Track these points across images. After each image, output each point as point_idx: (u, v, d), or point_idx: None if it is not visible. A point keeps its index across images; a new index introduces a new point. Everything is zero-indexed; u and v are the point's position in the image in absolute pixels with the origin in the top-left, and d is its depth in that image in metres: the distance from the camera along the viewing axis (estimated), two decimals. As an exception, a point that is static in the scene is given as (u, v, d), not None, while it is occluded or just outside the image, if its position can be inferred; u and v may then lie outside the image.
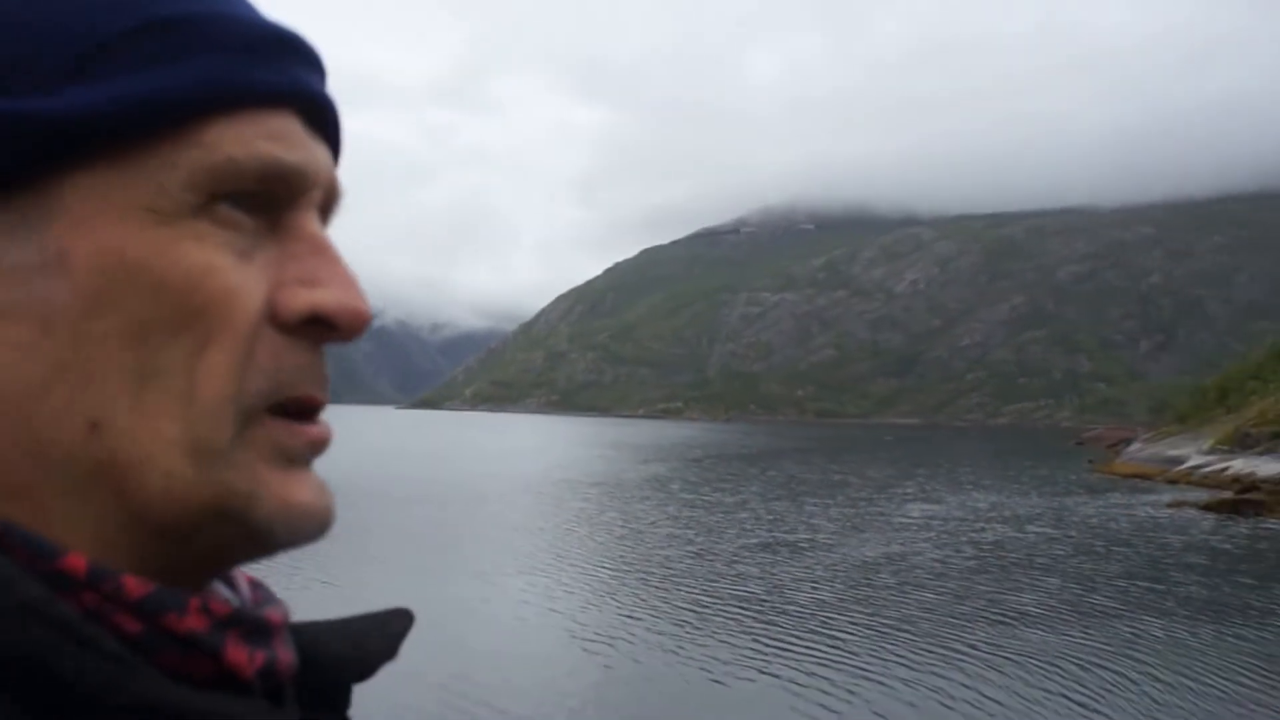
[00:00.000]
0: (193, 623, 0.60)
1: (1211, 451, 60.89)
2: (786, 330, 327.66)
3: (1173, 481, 55.69)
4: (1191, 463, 59.36)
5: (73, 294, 0.59)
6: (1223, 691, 14.20)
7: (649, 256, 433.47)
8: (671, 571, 23.09)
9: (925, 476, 56.53)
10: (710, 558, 25.21)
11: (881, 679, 14.42)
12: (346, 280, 0.65)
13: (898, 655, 15.80)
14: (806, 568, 23.91)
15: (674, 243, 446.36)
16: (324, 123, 0.70)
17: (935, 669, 14.96)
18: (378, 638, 0.76)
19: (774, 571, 23.21)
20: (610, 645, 16.18)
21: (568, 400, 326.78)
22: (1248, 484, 48.72)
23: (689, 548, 26.95)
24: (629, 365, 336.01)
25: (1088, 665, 15.33)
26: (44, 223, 0.59)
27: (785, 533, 30.03)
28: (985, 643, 16.71)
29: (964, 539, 29.72)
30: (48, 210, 0.59)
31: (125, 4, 0.60)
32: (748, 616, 18.46)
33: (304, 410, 0.66)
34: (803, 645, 16.33)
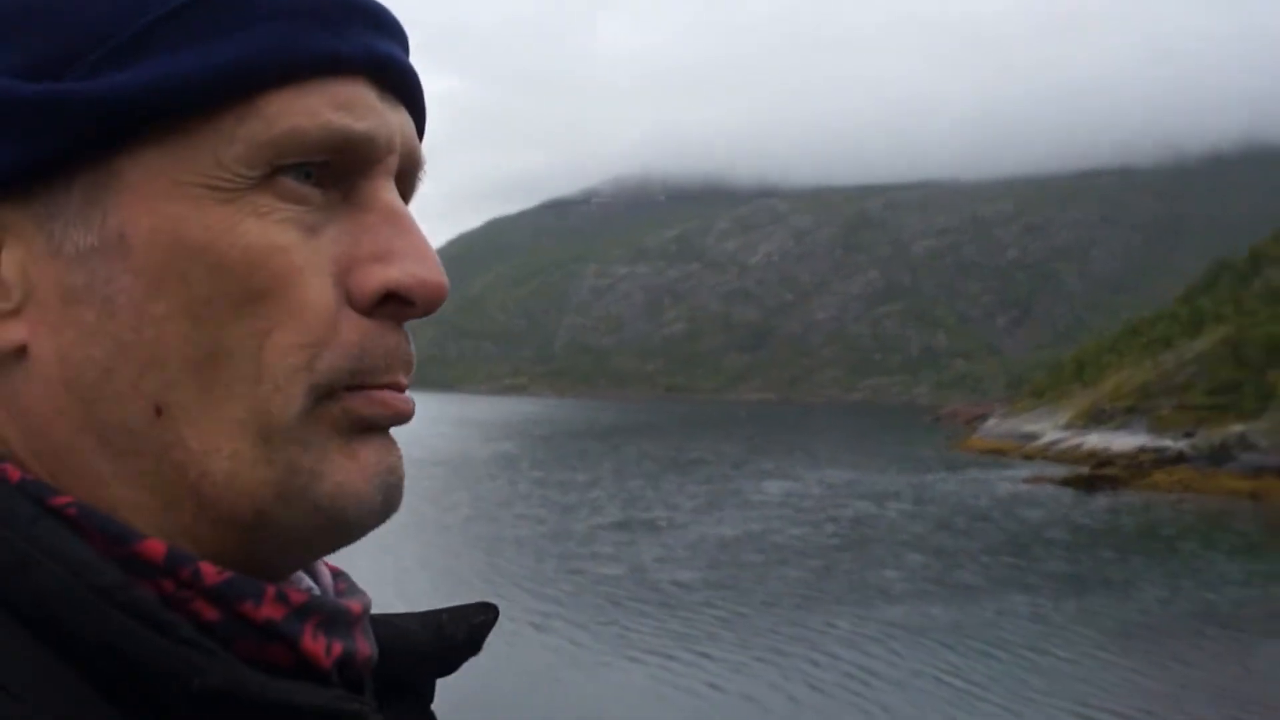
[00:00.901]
0: (269, 611, 0.61)
1: (1067, 426, 62.75)
2: (637, 303, 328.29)
3: (1029, 457, 57.35)
4: (1048, 438, 61.11)
5: (133, 275, 0.60)
6: (1088, 662, 14.65)
7: (495, 227, 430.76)
8: (525, 553, 23.03)
9: (782, 453, 57.29)
10: (565, 538, 25.20)
11: (748, 658, 14.55)
12: (421, 252, 0.65)
13: (764, 634, 15.97)
14: (666, 547, 24.04)
15: (521, 213, 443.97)
16: (402, 88, 0.69)
17: (801, 647, 15.17)
18: (461, 631, 0.77)
19: (633, 551, 23.29)
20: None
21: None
22: (1103, 459, 50.42)
23: (542, 528, 26.91)
24: (473, 340, 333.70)
25: (955, 640, 15.68)
26: (105, 204, 0.61)
27: (642, 511, 30.16)
28: (852, 620, 17.00)
29: (824, 516, 30.17)
30: (109, 191, 0.61)
31: None
32: (607, 598, 18.50)
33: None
34: (665, 626, 16.41)
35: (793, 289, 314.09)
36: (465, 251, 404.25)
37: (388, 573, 20.14)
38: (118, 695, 0.57)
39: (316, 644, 0.63)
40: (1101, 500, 36.89)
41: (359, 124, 0.64)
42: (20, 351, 0.62)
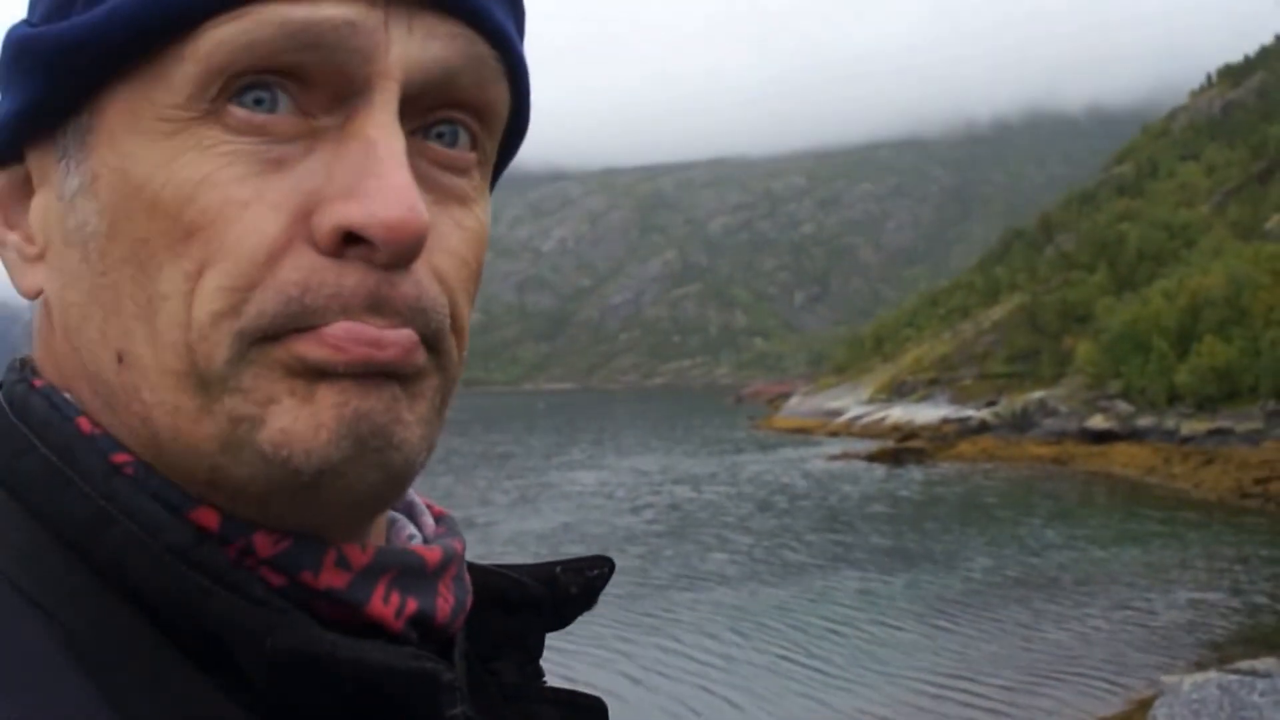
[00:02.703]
0: (329, 579, 0.61)
1: (870, 401, 64.38)
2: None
3: (834, 434, 58.57)
4: (851, 414, 62.60)
5: (99, 217, 0.60)
6: (922, 632, 15.24)
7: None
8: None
9: (590, 442, 57.68)
10: (380, 539, 25.15)
11: (584, 648, 14.78)
12: (390, 190, 0.58)
13: (598, 624, 16.21)
14: (484, 543, 24.12)
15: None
16: (438, 3, 0.63)
17: (639, 635, 15.43)
18: (576, 585, 0.76)
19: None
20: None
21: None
22: (908, 432, 51.87)
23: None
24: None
25: (790, 618, 16.13)
26: (91, 145, 0.61)
27: (455, 508, 29.65)
28: (687, 604, 17.36)
29: (642, 503, 30.61)
30: (94, 131, 0.61)
31: None
32: None
33: None
34: None
35: (589, 274, 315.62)
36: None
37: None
38: (194, 653, 0.58)
39: (388, 606, 0.62)
40: (915, 473, 38.10)
41: (326, 13, 0.59)
42: (40, 295, 0.64)
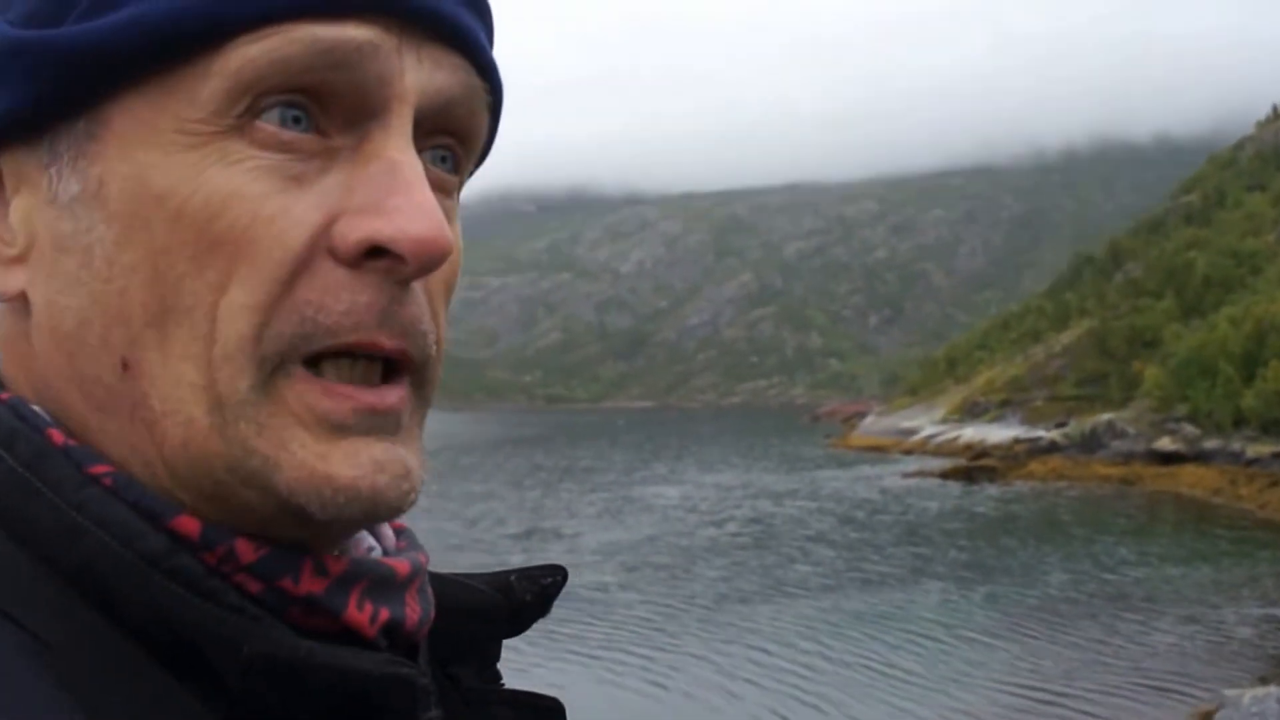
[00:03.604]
0: (309, 585, 0.61)
1: (943, 421, 64.31)
2: (511, 315, 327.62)
3: (908, 452, 58.58)
4: (925, 433, 62.56)
5: (107, 224, 0.59)
6: (1003, 645, 15.47)
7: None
8: (435, 566, 23.43)
9: (671, 458, 58.00)
10: (474, 549, 25.53)
11: (679, 655, 15.15)
12: (417, 205, 0.60)
13: (691, 631, 16.58)
14: (576, 553, 24.56)
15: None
16: (442, 35, 0.64)
17: (730, 642, 15.75)
18: (530, 593, 0.77)
19: (545, 558, 23.59)
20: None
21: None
22: (979, 451, 51.75)
23: (451, 540, 27.26)
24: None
25: (874, 629, 16.41)
26: (92, 152, 0.60)
27: (545, 520, 30.61)
28: (774, 614, 17.69)
29: (725, 516, 30.95)
30: (97, 140, 0.60)
31: None
32: None
33: (378, 360, 0.62)
34: (593, 628, 16.88)
35: (666, 295, 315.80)
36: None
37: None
38: (169, 661, 0.57)
39: (362, 613, 0.62)
40: (989, 490, 38.14)
41: (352, 33, 0.60)
42: (22, 298, 0.62)
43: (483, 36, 0.67)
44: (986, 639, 15.81)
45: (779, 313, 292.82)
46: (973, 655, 14.90)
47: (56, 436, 0.61)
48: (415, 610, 0.67)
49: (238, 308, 0.58)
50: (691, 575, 21.42)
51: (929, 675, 13.94)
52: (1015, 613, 17.55)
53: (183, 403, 0.59)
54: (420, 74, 0.62)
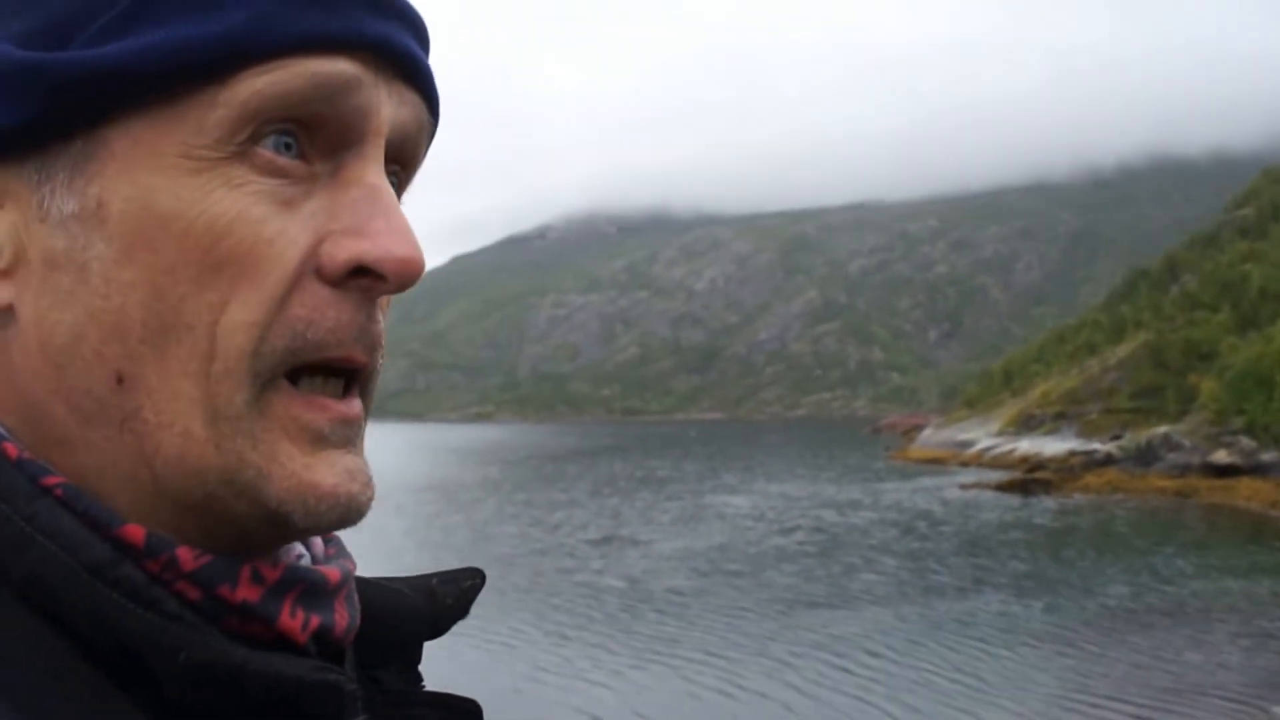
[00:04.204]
0: (245, 593, 0.61)
1: (1000, 434, 63.54)
2: (592, 331, 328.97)
3: (966, 464, 57.92)
4: (982, 445, 61.87)
5: (106, 243, 0.59)
6: (1067, 655, 15.24)
7: (459, 264, 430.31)
8: (524, 568, 23.45)
9: (741, 469, 57.96)
10: (560, 554, 25.72)
11: (752, 659, 15.15)
12: (397, 229, 0.63)
13: (763, 637, 16.56)
14: (653, 559, 24.65)
15: (482, 250, 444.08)
16: (406, 75, 0.67)
17: (801, 648, 15.70)
18: (451, 595, 0.76)
19: (624, 564, 23.87)
20: (483, 645, 16.56)
21: (381, 408, 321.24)
22: (1035, 463, 51.14)
23: (537, 544, 27.46)
24: (441, 371, 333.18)
25: (940, 637, 16.24)
26: (90, 172, 0.60)
27: (624, 527, 30.71)
28: (843, 621, 17.58)
29: (792, 525, 30.87)
30: (96, 160, 0.60)
31: None
32: (610, 608, 19.01)
33: (343, 374, 0.64)
34: (667, 632, 16.91)
35: (737, 311, 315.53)
36: (431, 288, 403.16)
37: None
38: (112, 670, 0.57)
39: (294, 620, 0.62)
40: (1047, 502, 37.75)
41: (343, 68, 0.62)
42: (8, 311, 0.61)
43: (432, 74, 0.69)
44: (1046, 649, 15.64)
45: (843, 327, 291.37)
46: (1033, 665, 14.76)
47: (11, 450, 0.60)
48: (344, 617, 0.66)
49: (238, 325, 0.60)
50: (761, 582, 21.39)
51: (990, 684, 13.82)
52: (1074, 623, 17.35)
53: (180, 416, 0.60)
54: (391, 108, 0.65)
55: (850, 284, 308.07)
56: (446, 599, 0.76)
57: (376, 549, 28.02)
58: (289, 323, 0.61)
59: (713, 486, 45.71)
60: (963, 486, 43.80)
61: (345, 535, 0.69)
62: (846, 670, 14.55)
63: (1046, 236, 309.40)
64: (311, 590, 0.64)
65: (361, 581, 0.72)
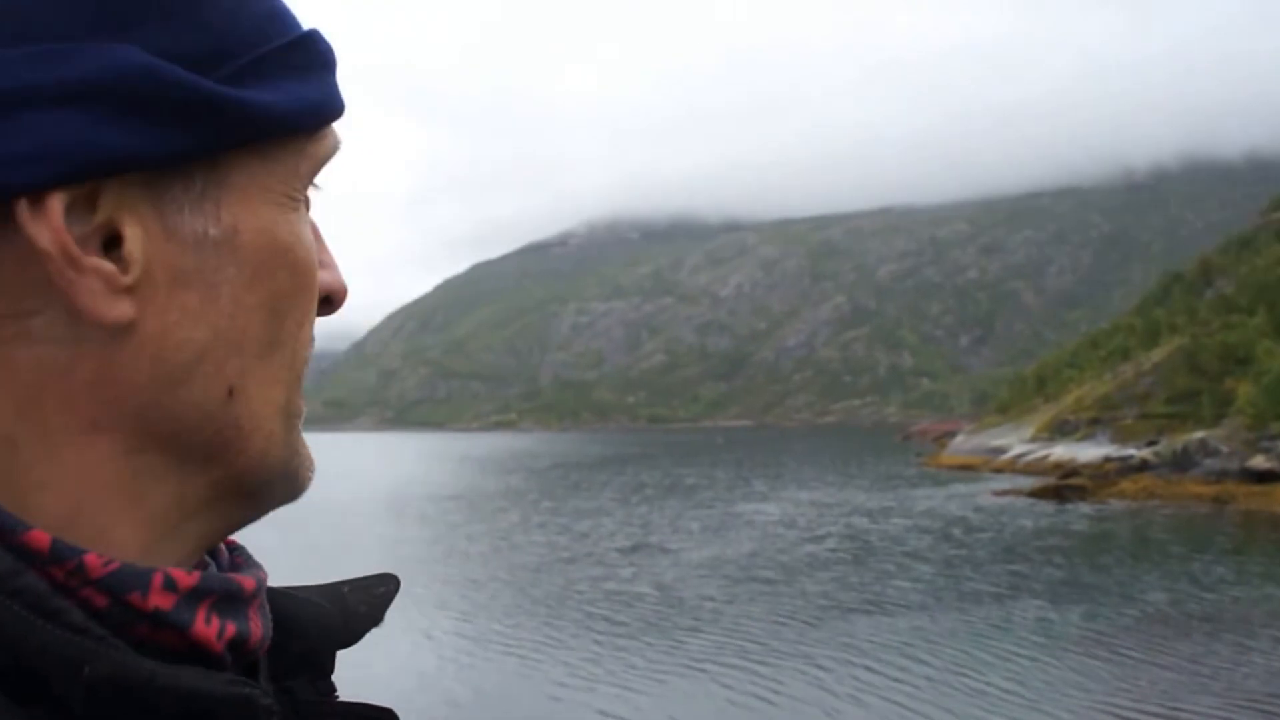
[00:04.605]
0: (157, 600, 0.60)
1: (1033, 440, 63.33)
2: (616, 338, 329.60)
3: (998, 470, 57.74)
4: (1015, 451, 61.67)
5: (237, 267, 0.64)
6: (1095, 662, 15.23)
7: (479, 271, 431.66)
8: (553, 577, 23.53)
9: (770, 476, 57.94)
10: (588, 562, 25.75)
11: (789, 667, 15.15)
12: (336, 262, 0.73)
13: (798, 643, 16.57)
14: (684, 566, 24.68)
15: (503, 257, 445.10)
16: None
17: (838, 654, 15.70)
18: (363, 603, 0.78)
19: (654, 572, 23.90)
20: (510, 653, 16.65)
21: (401, 417, 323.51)
22: (1069, 469, 50.93)
23: (565, 553, 27.51)
24: (462, 379, 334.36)
25: (972, 645, 16.23)
26: (219, 200, 0.64)
27: (653, 535, 30.73)
28: (878, 627, 17.56)
29: (824, 533, 30.87)
30: (220, 187, 0.64)
31: (282, 18, 0.67)
32: (642, 616, 19.02)
33: None
34: (702, 639, 16.91)
35: (764, 317, 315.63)
36: (451, 296, 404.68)
37: (433, 600, 20.78)
38: (13, 687, 0.56)
39: (209, 628, 0.62)
40: (1082, 509, 37.62)
41: (337, 136, 0.72)
42: (129, 327, 0.62)
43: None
44: (1084, 656, 15.60)
45: (872, 333, 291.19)
46: (1071, 672, 14.73)
47: None
48: (259, 626, 0.67)
49: (309, 340, 0.70)
50: (794, 590, 21.40)
51: (1029, 691, 13.81)
52: (1112, 630, 17.30)
53: (268, 420, 0.67)
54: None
55: (879, 289, 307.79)
56: (359, 606, 0.77)
57: (404, 559, 28.14)
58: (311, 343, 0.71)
59: (742, 494, 45.73)
60: (996, 493, 43.68)
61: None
62: (883, 677, 14.56)
63: (1079, 240, 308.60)
64: (227, 598, 0.64)
65: (270, 591, 0.73)
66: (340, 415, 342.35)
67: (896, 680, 14.39)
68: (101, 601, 0.58)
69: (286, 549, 28.63)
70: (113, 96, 0.59)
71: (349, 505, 44.96)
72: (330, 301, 0.72)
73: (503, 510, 41.22)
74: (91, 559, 0.59)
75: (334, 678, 0.73)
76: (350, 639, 0.77)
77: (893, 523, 33.39)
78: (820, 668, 15.06)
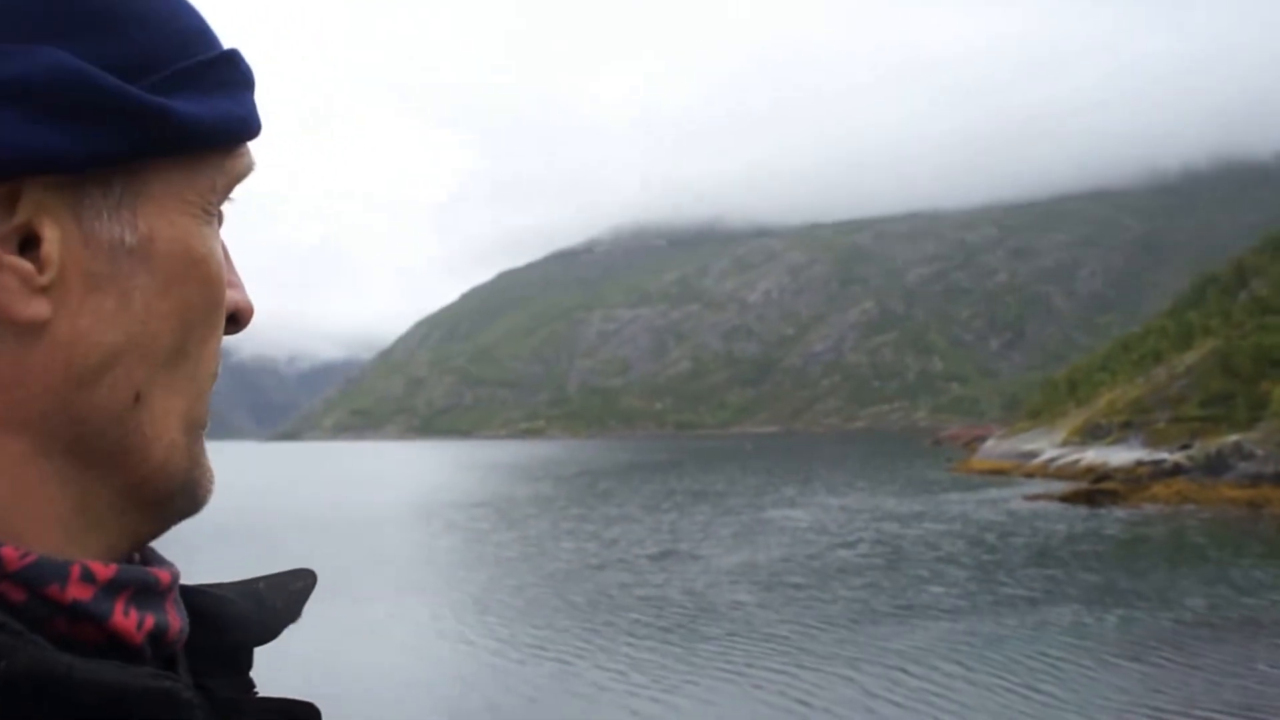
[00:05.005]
0: (75, 592, 0.60)
1: (1064, 444, 63.03)
2: (643, 345, 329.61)
3: (1029, 475, 57.51)
4: (1046, 456, 61.40)
5: (150, 275, 0.65)
6: (1133, 668, 15.17)
7: (505, 279, 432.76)
8: (584, 583, 23.59)
9: (800, 482, 57.92)
10: (618, 568, 25.82)
11: (825, 672, 15.18)
12: (242, 281, 0.74)
13: (834, 649, 16.59)
14: (714, 573, 24.72)
15: (529, 265, 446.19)
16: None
17: (873, 659, 15.72)
18: (280, 599, 0.78)
19: (685, 578, 23.95)
20: (547, 658, 16.70)
21: (429, 425, 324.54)
22: (1101, 474, 50.71)
23: (594, 560, 27.59)
24: (489, 387, 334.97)
25: (1013, 649, 16.20)
26: (135, 207, 0.65)
27: (683, 541, 30.79)
28: (913, 633, 17.57)
29: (855, 538, 30.85)
30: (138, 196, 0.65)
31: (207, 35, 0.69)
32: (675, 622, 19.08)
33: None
34: (736, 645, 16.95)
35: (791, 323, 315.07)
36: (478, 304, 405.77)
37: (468, 607, 20.88)
38: None
39: (128, 620, 0.62)
40: (1116, 513, 37.48)
41: (252, 155, 0.73)
42: (42, 327, 0.62)
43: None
44: (1122, 661, 15.56)
45: (901, 338, 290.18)
46: (1109, 678, 14.69)
47: None
48: (177, 619, 0.67)
49: (215, 354, 0.70)
50: (826, 595, 21.41)
51: (1065, 698, 13.76)
52: (1149, 636, 17.23)
53: (170, 428, 0.67)
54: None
55: (908, 294, 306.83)
56: (275, 602, 0.77)
57: (436, 567, 28.27)
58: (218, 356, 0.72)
59: (772, 500, 45.72)
60: (1028, 498, 43.59)
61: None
62: (920, 681, 14.56)
63: (1110, 243, 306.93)
64: (144, 590, 0.65)
65: (185, 589, 0.73)
66: (367, 424, 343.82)
67: (934, 685, 14.38)
68: (19, 596, 0.58)
69: (316, 559, 28.85)
70: (37, 97, 0.60)
71: (379, 513, 45.26)
72: (236, 320, 0.73)
73: (532, 517, 41.31)
74: (8, 551, 0.58)
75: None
76: (268, 635, 0.77)
77: (925, 528, 33.34)
78: (857, 672, 15.07)
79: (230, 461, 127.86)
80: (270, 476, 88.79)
